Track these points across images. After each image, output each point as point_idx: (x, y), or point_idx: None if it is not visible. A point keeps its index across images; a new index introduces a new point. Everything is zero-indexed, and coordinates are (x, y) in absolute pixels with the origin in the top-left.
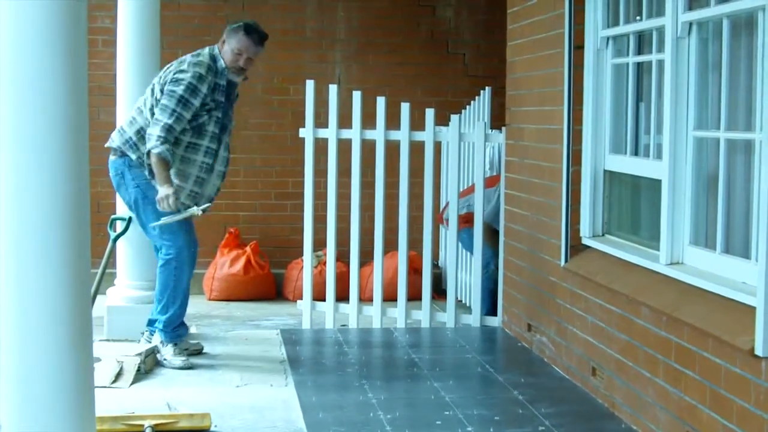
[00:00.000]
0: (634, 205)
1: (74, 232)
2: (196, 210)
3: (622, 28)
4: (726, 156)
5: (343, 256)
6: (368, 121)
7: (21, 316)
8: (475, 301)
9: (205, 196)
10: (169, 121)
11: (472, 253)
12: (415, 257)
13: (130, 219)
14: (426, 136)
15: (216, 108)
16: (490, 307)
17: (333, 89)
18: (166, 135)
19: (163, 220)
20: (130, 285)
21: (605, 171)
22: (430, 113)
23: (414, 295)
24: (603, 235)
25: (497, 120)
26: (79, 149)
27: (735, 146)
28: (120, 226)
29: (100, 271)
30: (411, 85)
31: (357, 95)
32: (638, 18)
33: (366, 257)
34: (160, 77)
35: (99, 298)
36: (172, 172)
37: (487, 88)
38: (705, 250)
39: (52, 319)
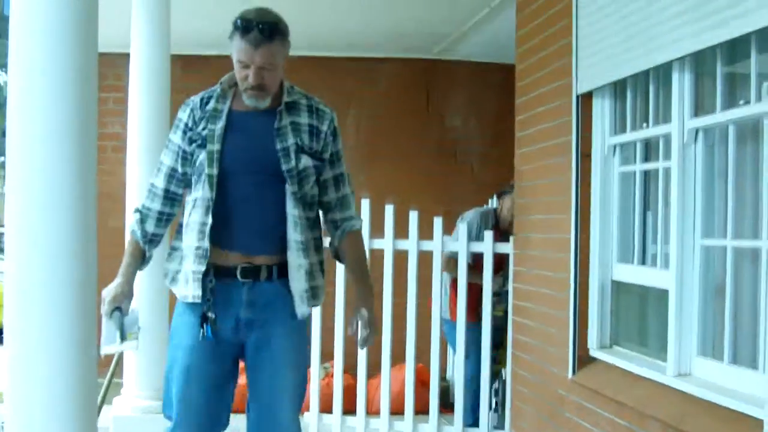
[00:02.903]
0: (641, 315)
1: (81, 339)
2: (131, 343)
3: (629, 136)
4: (733, 264)
5: (350, 368)
6: (376, 229)
7: (27, 425)
8: (482, 413)
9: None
10: (151, 181)
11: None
12: (422, 370)
13: (139, 329)
14: (434, 245)
15: (209, 141)
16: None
17: None
18: (144, 200)
19: (103, 348)
20: (137, 395)
21: (613, 281)
22: (438, 222)
23: (421, 409)
24: (611, 346)
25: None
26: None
27: (742, 254)
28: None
29: (106, 380)
30: (419, 193)
31: (365, 203)
32: (645, 125)
33: (373, 369)
34: None
35: (105, 408)
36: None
37: (494, 196)
38: (713, 361)
39: (59, 428)
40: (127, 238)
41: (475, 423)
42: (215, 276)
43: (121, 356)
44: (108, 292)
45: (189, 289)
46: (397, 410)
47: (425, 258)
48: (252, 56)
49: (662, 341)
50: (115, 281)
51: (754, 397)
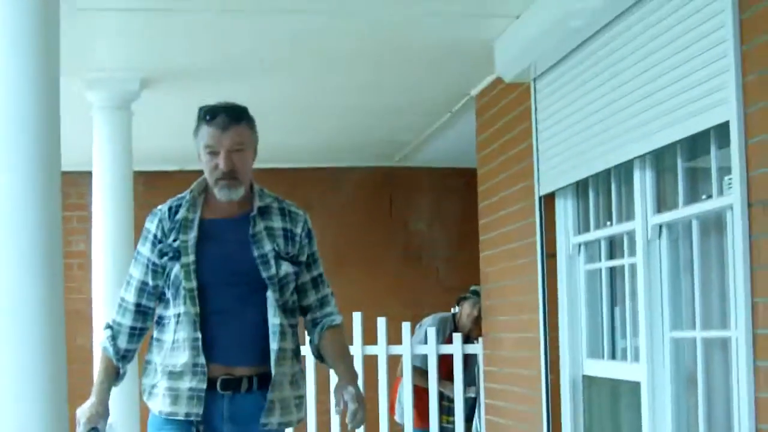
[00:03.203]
0: (614, 408)
1: None
2: None
3: (593, 234)
4: (703, 355)
5: None
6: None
7: None
8: None
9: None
10: (121, 295)
11: None
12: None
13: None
14: (403, 350)
15: (183, 254)
16: None
17: None
18: (115, 315)
19: None
20: None
21: (584, 376)
22: (406, 327)
23: None
24: None
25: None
26: (58, 374)
27: (712, 345)
28: None
29: None
30: (386, 298)
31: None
32: (609, 223)
33: None
34: None
35: None
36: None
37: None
38: None
39: None
40: (98, 355)
41: None
42: None
43: None
44: (83, 412)
45: (183, 407)
46: None
47: (395, 361)
48: (220, 140)
49: None
50: (89, 401)
51: None
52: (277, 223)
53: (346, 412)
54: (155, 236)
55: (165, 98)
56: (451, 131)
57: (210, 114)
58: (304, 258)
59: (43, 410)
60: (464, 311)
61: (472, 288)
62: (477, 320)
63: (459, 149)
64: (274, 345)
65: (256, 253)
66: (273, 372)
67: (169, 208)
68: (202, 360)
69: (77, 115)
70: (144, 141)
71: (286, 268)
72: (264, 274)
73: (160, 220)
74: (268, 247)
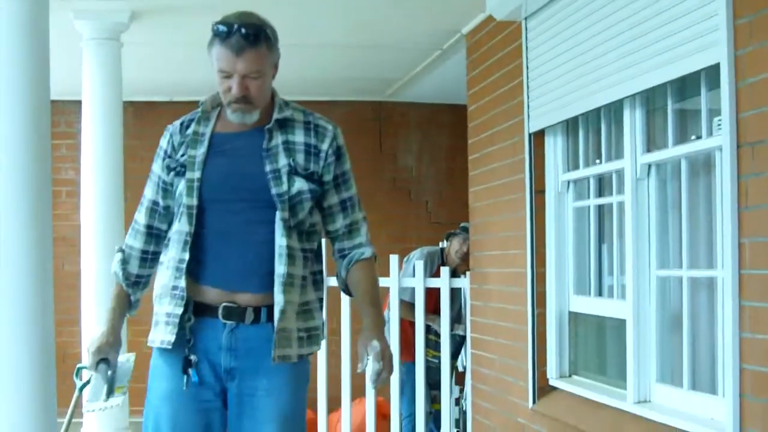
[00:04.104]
0: (599, 345)
1: (40, 381)
2: (116, 398)
3: (582, 172)
4: (689, 294)
5: (311, 403)
6: (331, 267)
7: None
8: None
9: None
10: (135, 217)
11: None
12: (382, 403)
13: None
14: (391, 282)
15: (189, 169)
16: None
17: None
18: (127, 238)
19: (87, 405)
20: None
21: (570, 312)
22: (394, 259)
23: None
24: (570, 375)
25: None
26: (44, 299)
27: (698, 284)
28: (86, 375)
29: (66, 420)
30: (375, 232)
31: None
32: (598, 161)
33: (333, 403)
34: None
35: None
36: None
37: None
38: (672, 388)
39: None
40: (88, 280)
41: None
42: (194, 314)
43: (80, 395)
44: (92, 342)
45: (160, 333)
46: None
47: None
48: (234, 64)
49: (621, 369)
50: (99, 330)
51: (714, 421)
52: (299, 137)
53: (368, 370)
54: (165, 152)
55: (155, 30)
56: (441, 68)
57: (224, 32)
58: (329, 177)
59: (30, 333)
60: (453, 247)
61: (462, 224)
62: (465, 256)
63: (449, 86)
64: (279, 269)
65: (267, 168)
66: (275, 299)
67: (181, 123)
68: (182, 283)
69: (67, 46)
70: (134, 72)
71: (300, 185)
72: (273, 191)
73: (171, 135)
74: (282, 162)
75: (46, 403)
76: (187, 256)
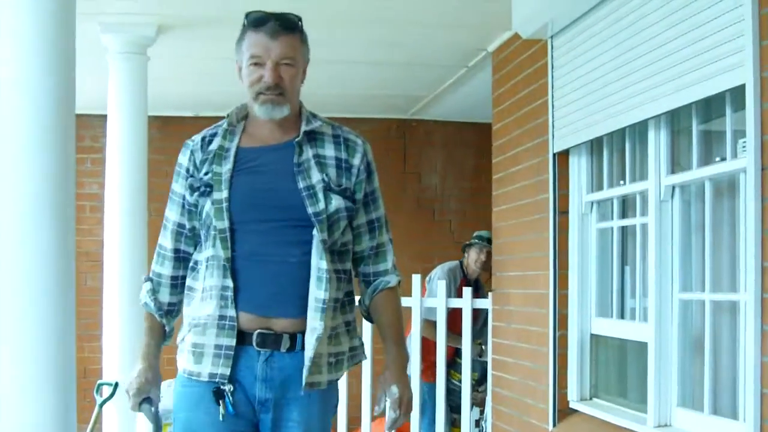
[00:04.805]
0: (621, 368)
1: (60, 396)
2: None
3: (606, 193)
4: (711, 317)
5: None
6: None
7: None
8: None
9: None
10: (159, 241)
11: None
12: (404, 424)
13: (116, 384)
14: (413, 302)
15: (215, 189)
16: None
17: None
18: (153, 264)
19: None
20: None
21: (592, 334)
22: (416, 279)
23: None
24: (590, 398)
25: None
26: (66, 315)
27: (720, 307)
28: (107, 391)
29: None
30: (398, 251)
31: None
32: (622, 182)
33: (353, 423)
34: None
35: None
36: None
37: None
38: (693, 412)
39: None
40: (112, 298)
41: None
42: None
43: (100, 411)
44: (130, 384)
45: (207, 366)
46: None
47: (405, 314)
48: (268, 48)
49: (642, 393)
50: (136, 368)
51: None
52: (329, 151)
53: (385, 414)
54: (187, 170)
55: (181, 44)
56: (466, 86)
57: (259, 20)
58: (360, 195)
59: (51, 348)
60: (471, 258)
61: (476, 234)
62: (485, 265)
63: (474, 104)
64: (319, 293)
65: (301, 185)
66: (311, 324)
67: (203, 138)
68: (231, 312)
69: (93, 59)
70: (159, 86)
71: (338, 202)
72: (310, 210)
73: (192, 152)
74: (316, 177)
75: (66, 418)
76: (230, 283)
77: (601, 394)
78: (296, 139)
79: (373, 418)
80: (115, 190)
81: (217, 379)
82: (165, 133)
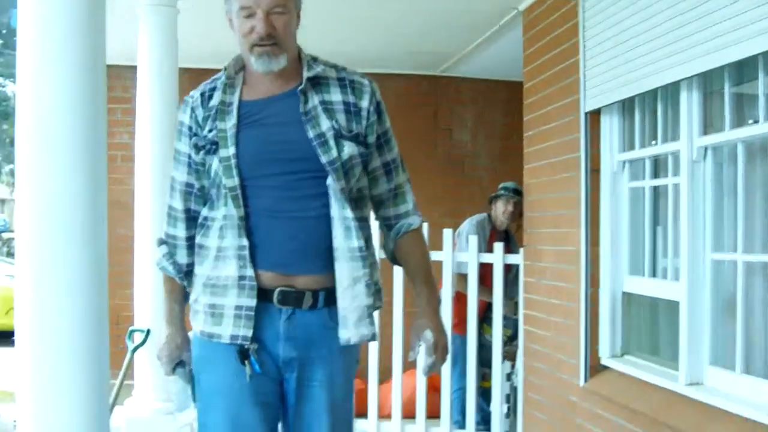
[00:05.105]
0: (652, 325)
1: (93, 341)
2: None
3: (638, 152)
4: (744, 278)
5: (361, 374)
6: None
7: (41, 424)
8: (468, 422)
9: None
10: (168, 203)
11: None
12: (433, 375)
13: (148, 331)
14: (444, 256)
15: (221, 146)
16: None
17: None
18: (165, 227)
19: (178, 417)
20: (149, 396)
21: (623, 292)
22: (447, 234)
23: (433, 414)
24: (622, 355)
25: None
26: (99, 262)
27: (753, 268)
28: (138, 337)
29: (118, 381)
30: (428, 207)
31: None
32: (654, 142)
33: (385, 374)
34: None
35: (117, 409)
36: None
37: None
38: (725, 371)
39: (71, 427)
40: (164, 280)
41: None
42: None
43: (132, 357)
44: (161, 351)
45: (229, 327)
46: (408, 415)
47: (435, 268)
48: None
49: (674, 351)
50: (163, 334)
51: (767, 406)
52: (335, 95)
53: (419, 360)
54: (189, 128)
55: None
56: (497, 44)
57: None
58: (373, 138)
59: (84, 295)
60: (498, 209)
61: (502, 185)
62: (512, 215)
63: (505, 62)
64: (349, 244)
65: (311, 134)
66: (338, 276)
67: (202, 94)
68: (250, 272)
69: (124, 10)
70: (189, 38)
71: (350, 149)
72: (323, 159)
73: (193, 109)
74: (325, 125)
75: (99, 365)
76: (246, 242)
77: (633, 351)
78: (299, 88)
79: (406, 369)
80: (146, 140)
81: (239, 341)
82: (195, 85)
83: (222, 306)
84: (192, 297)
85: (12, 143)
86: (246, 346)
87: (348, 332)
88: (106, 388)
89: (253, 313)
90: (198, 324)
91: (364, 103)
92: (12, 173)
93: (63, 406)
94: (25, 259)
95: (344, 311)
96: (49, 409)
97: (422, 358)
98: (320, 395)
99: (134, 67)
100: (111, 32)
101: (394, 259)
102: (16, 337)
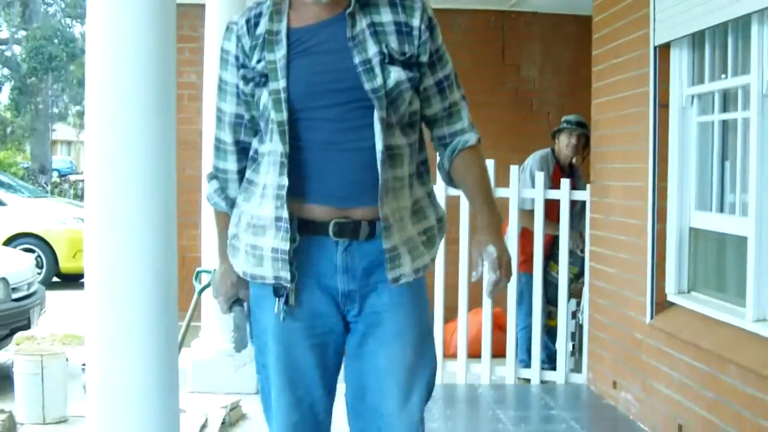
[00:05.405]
0: (719, 262)
1: (161, 283)
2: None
3: (707, 86)
4: None
5: None
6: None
7: (109, 367)
8: (560, 355)
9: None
10: (216, 135)
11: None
12: (499, 314)
13: (215, 271)
14: (510, 192)
15: (271, 78)
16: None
17: None
18: (214, 161)
19: (236, 363)
20: (216, 338)
21: (690, 228)
22: (514, 170)
23: (498, 353)
24: (688, 292)
25: (584, 178)
26: (168, 202)
27: None
28: (206, 278)
29: (185, 323)
30: (495, 143)
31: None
32: (723, 76)
33: (450, 313)
34: None
35: (184, 350)
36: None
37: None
38: None
39: (140, 370)
40: (215, 216)
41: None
42: (299, 232)
43: (199, 299)
44: (217, 288)
45: (269, 269)
46: (474, 354)
47: (502, 205)
48: None
49: (740, 287)
50: (218, 271)
51: None
52: (386, 16)
53: (483, 278)
54: (236, 57)
55: None
56: None
57: None
58: (425, 57)
59: (154, 235)
60: (562, 142)
61: (564, 118)
62: (576, 148)
63: None
64: (384, 175)
65: (357, 60)
66: (384, 210)
67: (247, 21)
68: (285, 213)
69: None
70: None
71: (397, 75)
72: (367, 86)
73: (239, 37)
74: (372, 50)
75: (167, 307)
76: (286, 182)
77: (700, 288)
78: (348, 11)
79: (471, 307)
80: (213, 79)
81: (281, 282)
82: None
83: (261, 247)
84: (231, 232)
85: (79, 84)
86: (282, 285)
87: (401, 268)
88: (175, 330)
89: (287, 257)
90: (239, 264)
91: (415, 21)
92: (79, 115)
93: (131, 349)
94: (94, 201)
95: (391, 248)
96: (118, 352)
97: (487, 277)
98: (389, 319)
99: (202, 6)
100: None
101: (450, 180)
102: (84, 280)
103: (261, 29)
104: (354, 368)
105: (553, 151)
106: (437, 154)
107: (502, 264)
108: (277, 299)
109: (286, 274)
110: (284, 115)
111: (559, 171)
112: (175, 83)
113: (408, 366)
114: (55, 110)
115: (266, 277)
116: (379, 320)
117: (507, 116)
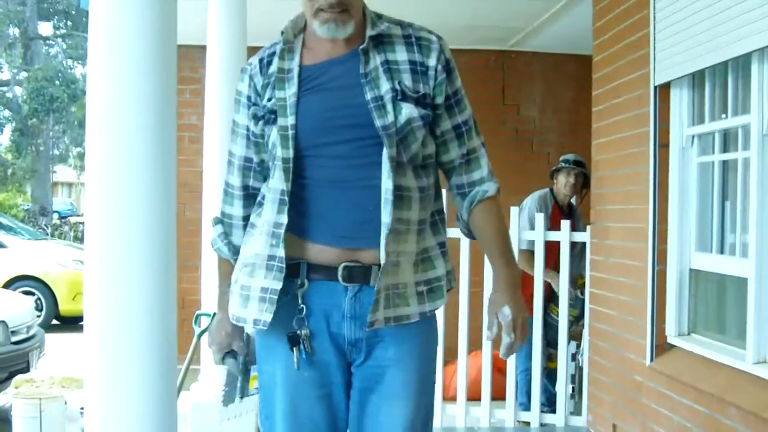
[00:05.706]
0: (720, 303)
1: (161, 326)
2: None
3: (707, 126)
4: None
5: None
6: (451, 218)
7: (108, 410)
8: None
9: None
10: (226, 179)
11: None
12: (499, 356)
13: (214, 315)
14: (511, 235)
15: (279, 114)
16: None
17: None
18: (221, 205)
19: (221, 416)
20: (215, 381)
21: (691, 270)
22: (514, 211)
23: (498, 395)
24: (689, 334)
25: (583, 218)
26: (168, 244)
27: None
28: (205, 321)
29: (184, 366)
30: None
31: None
32: (724, 116)
33: (450, 355)
34: None
35: (183, 394)
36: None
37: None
38: None
39: (139, 414)
40: (218, 261)
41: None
42: (307, 278)
43: (198, 342)
44: (212, 337)
45: (253, 311)
46: (473, 397)
47: None
48: None
49: (741, 329)
50: (215, 319)
51: None
52: (401, 54)
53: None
54: (248, 98)
55: None
56: (566, 17)
57: None
58: (441, 99)
59: (153, 279)
60: (560, 182)
61: (562, 157)
62: (574, 188)
63: (574, 36)
64: (386, 217)
65: (368, 96)
66: (383, 252)
67: (260, 60)
68: (280, 252)
69: None
70: (258, 17)
71: (409, 111)
72: (378, 123)
73: (251, 77)
74: (385, 86)
75: (167, 351)
76: (284, 220)
77: (700, 330)
78: (361, 47)
79: (471, 350)
80: (214, 121)
81: (259, 326)
82: None
83: (249, 287)
84: (232, 278)
85: (80, 126)
86: (297, 333)
87: (376, 313)
88: (174, 373)
89: (276, 297)
90: (232, 306)
91: (432, 62)
92: (80, 156)
93: (130, 392)
94: (93, 243)
95: (376, 292)
96: (117, 395)
97: (502, 339)
98: (393, 376)
99: (202, 47)
100: (179, 12)
101: (469, 231)
102: (83, 323)
103: (273, 67)
104: (355, 422)
105: (551, 191)
106: (454, 204)
107: (517, 326)
108: (295, 348)
109: (267, 317)
110: (290, 153)
111: (558, 211)
112: (176, 125)
113: (410, 422)
114: (56, 152)
115: (247, 319)
116: (383, 376)
117: (507, 156)
